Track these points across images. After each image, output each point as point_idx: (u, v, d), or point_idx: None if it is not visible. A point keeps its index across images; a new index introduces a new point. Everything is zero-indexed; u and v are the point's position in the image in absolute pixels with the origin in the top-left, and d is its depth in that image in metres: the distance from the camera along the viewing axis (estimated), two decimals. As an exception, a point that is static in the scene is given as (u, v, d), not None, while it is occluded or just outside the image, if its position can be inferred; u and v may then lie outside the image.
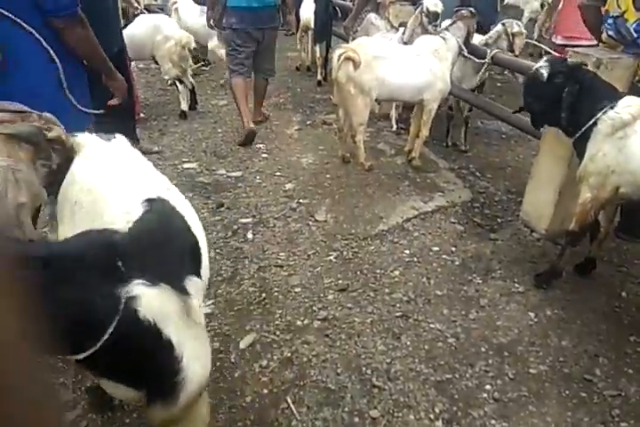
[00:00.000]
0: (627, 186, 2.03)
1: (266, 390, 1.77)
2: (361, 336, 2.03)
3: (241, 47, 3.81)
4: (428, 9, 3.43)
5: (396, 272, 2.42)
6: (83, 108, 1.84)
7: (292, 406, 1.71)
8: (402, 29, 3.71)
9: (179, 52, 3.97)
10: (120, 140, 1.47)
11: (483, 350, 1.96)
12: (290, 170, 3.42)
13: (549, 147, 2.61)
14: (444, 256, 2.54)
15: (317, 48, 5.35)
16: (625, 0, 2.34)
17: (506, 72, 4.94)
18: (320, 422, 1.66)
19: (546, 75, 2.09)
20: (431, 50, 3.25)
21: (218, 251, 2.55)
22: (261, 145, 3.81)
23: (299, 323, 2.09)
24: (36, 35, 1.64)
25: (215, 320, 2.08)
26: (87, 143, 1.42)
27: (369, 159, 3.45)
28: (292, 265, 2.47)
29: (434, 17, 3.45)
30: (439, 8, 3.43)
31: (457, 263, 2.49)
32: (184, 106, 4.23)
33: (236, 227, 2.77)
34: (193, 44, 4.12)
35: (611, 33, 2.47)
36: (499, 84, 5.15)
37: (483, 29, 3.57)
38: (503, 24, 3.33)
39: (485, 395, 1.76)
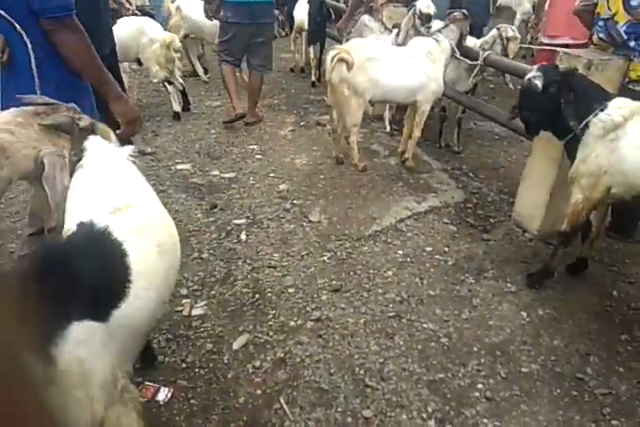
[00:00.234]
0: (618, 186, 2.05)
1: (259, 391, 1.77)
2: (354, 336, 2.03)
3: (233, 39, 3.95)
4: (420, 11, 3.45)
5: (390, 272, 2.43)
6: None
7: (285, 406, 1.71)
8: (395, 31, 3.73)
9: (164, 53, 3.96)
10: (125, 150, 1.44)
11: (475, 349, 1.97)
12: (284, 171, 3.42)
13: (541, 148, 2.62)
14: (437, 256, 2.55)
15: (311, 49, 5.36)
16: (615, 2, 2.37)
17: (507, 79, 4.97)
18: (313, 423, 1.66)
19: (540, 85, 2.10)
20: (424, 52, 3.26)
21: (211, 252, 2.54)
22: (255, 146, 3.81)
23: (292, 323, 2.09)
24: (24, 37, 1.60)
25: (208, 322, 2.08)
26: (91, 149, 1.40)
27: (362, 160, 3.46)
28: (285, 266, 2.47)
29: (426, 19, 3.47)
30: (432, 10, 3.45)
31: (450, 263, 2.50)
32: (176, 107, 4.23)
33: (229, 228, 2.76)
34: (178, 44, 4.10)
35: (601, 35, 2.50)
36: (491, 86, 5.18)
37: (475, 32, 3.59)
38: (498, 29, 3.36)
39: (478, 394, 1.77)
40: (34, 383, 0.44)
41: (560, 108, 2.10)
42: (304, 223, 2.83)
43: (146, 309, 1.14)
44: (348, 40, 3.85)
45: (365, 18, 4.17)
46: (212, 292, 2.26)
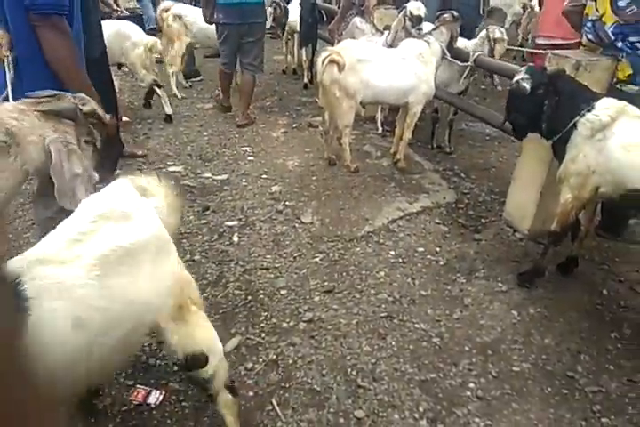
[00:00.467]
0: (607, 185, 2.07)
1: (251, 393, 1.77)
2: (346, 337, 2.04)
3: (226, 41, 4.08)
4: (411, 13, 3.47)
5: (382, 273, 2.44)
6: None
7: (277, 408, 1.71)
8: (386, 33, 3.75)
9: (149, 56, 3.94)
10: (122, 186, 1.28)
11: (466, 349, 1.98)
12: (276, 172, 3.42)
13: (531, 149, 2.64)
14: (428, 257, 2.56)
15: (303, 51, 5.38)
16: (603, 4, 2.40)
17: (496, 81, 5.00)
18: (305, 424, 1.66)
19: (528, 88, 2.12)
20: (416, 54, 3.28)
21: (203, 254, 2.54)
22: (247, 148, 3.81)
23: (284, 325, 2.09)
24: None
25: (200, 323, 2.07)
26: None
27: (355, 161, 3.46)
28: (277, 267, 2.47)
29: (417, 21, 3.48)
30: (422, 12, 3.47)
31: (441, 263, 2.51)
32: (168, 110, 4.22)
33: (221, 230, 2.76)
34: (159, 47, 4.08)
35: (590, 36, 2.52)
36: (482, 87, 5.21)
37: (466, 33, 3.61)
38: (487, 30, 3.39)
39: (469, 393, 1.78)
40: (34, 383, 0.45)
41: (546, 110, 2.11)
42: (296, 225, 2.83)
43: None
44: (339, 42, 3.87)
45: (357, 20, 4.19)
46: (204, 294, 2.25)
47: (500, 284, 2.35)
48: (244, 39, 4.05)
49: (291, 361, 1.91)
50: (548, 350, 1.98)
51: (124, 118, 4.00)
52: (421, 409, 1.72)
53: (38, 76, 1.70)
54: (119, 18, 4.65)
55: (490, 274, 2.42)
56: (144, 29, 4.38)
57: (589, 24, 2.50)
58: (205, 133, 4.07)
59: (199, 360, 1.30)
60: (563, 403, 1.77)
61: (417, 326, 2.10)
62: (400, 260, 2.54)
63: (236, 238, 2.69)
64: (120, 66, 4.13)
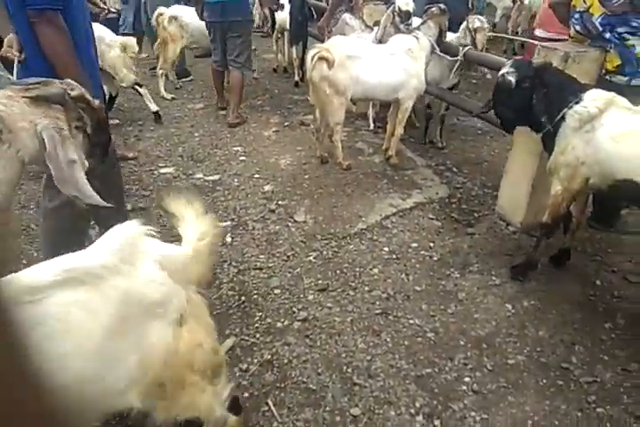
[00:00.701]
0: (596, 177, 2.07)
1: (247, 394, 1.77)
2: (341, 335, 2.03)
3: (214, 39, 4.20)
4: (399, 8, 3.46)
5: (376, 270, 2.44)
6: None
7: (272, 408, 1.71)
8: (376, 28, 3.73)
9: (126, 56, 3.90)
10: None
11: (461, 343, 1.98)
12: (268, 172, 3.41)
13: (522, 142, 2.65)
14: (422, 252, 2.56)
15: (294, 49, 5.36)
16: (590, -5, 2.39)
17: (485, 70, 5.00)
18: (301, 424, 1.66)
19: (514, 81, 2.11)
20: (405, 49, 3.27)
21: (196, 255, 2.53)
22: (239, 148, 3.80)
23: (279, 325, 2.09)
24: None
25: (194, 325, 2.06)
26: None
27: (347, 158, 3.46)
28: (271, 267, 2.46)
29: (406, 16, 3.47)
30: (411, 7, 3.46)
31: (435, 259, 2.51)
32: (153, 107, 4.16)
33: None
34: (136, 48, 4.05)
35: (578, 28, 2.52)
36: (474, 81, 5.21)
37: (454, 27, 3.59)
38: (467, 21, 3.37)
39: (465, 387, 1.78)
40: (34, 383, 0.44)
41: (533, 104, 2.11)
42: (289, 224, 2.83)
43: None
44: (329, 39, 3.85)
45: (346, 16, 4.17)
46: (198, 295, 2.25)
47: (493, 277, 2.35)
48: (227, 35, 4.13)
49: (286, 361, 1.91)
50: (542, 343, 1.99)
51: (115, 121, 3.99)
52: (417, 405, 1.72)
53: (46, 75, 1.73)
54: (107, 17, 4.62)
55: (483, 268, 2.42)
56: (116, 32, 4.35)
57: (577, 15, 2.50)
58: (197, 134, 4.05)
59: (194, 424, 1.20)
60: (558, 394, 1.77)
61: (411, 321, 2.10)
62: (394, 256, 2.54)
63: (228, 239, 2.68)
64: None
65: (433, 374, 1.84)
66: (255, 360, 1.91)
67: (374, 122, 4.14)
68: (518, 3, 6.20)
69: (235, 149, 3.78)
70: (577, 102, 2.07)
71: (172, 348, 1.11)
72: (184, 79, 5.30)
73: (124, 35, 4.61)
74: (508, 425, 1.66)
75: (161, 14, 4.65)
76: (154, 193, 3.13)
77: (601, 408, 1.72)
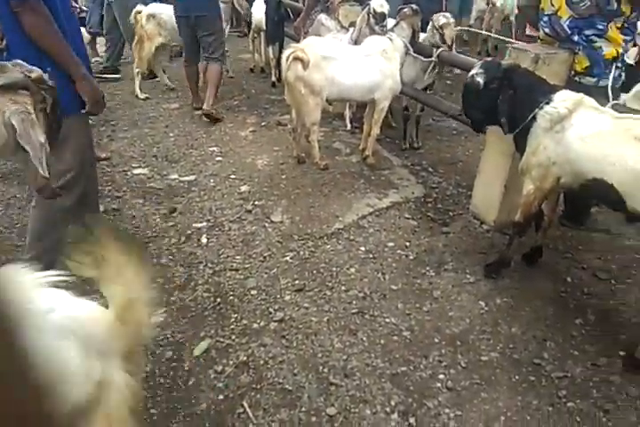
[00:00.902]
0: (567, 176, 2.12)
1: (221, 396, 1.74)
2: (318, 335, 2.03)
3: (181, 35, 4.30)
4: (374, 10, 3.47)
5: (352, 269, 2.44)
6: None
7: (248, 410, 1.69)
8: (352, 29, 3.75)
9: (91, 53, 3.84)
10: None
11: (436, 340, 2.00)
12: (245, 172, 3.39)
13: (494, 142, 2.69)
14: (398, 251, 2.58)
15: (270, 49, 5.33)
16: (558, -2, 2.45)
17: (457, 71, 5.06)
18: (277, 424, 1.65)
19: (482, 82, 2.15)
20: (379, 50, 3.29)
21: (170, 257, 2.49)
22: (215, 148, 3.76)
23: (255, 326, 2.07)
24: None
25: (168, 329, 2.03)
26: None
27: (324, 159, 3.46)
28: (247, 268, 2.44)
29: (381, 17, 3.49)
30: (385, 9, 3.48)
31: (411, 258, 2.53)
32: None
33: (189, 232, 2.71)
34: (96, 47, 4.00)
35: (547, 30, 2.58)
36: (448, 82, 5.27)
37: (426, 28, 3.62)
38: (431, 19, 3.40)
39: (439, 385, 1.80)
40: (34, 383, 0.43)
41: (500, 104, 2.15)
42: (266, 224, 2.81)
43: None
44: (305, 39, 3.85)
45: (322, 17, 4.17)
46: (172, 298, 2.21)
47: (467, 275, 2.38)
48: (198, 33, 4.18)
49: (262, 362, 1.89)
50: (514, 339, 2.02)
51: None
52: (393, 403, 1.73)
53: (31, 62, 1.77)
54: (79, 17, 4.53)
55: (458, 266, 2.45)
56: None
57: (545, 18, 2.55)
58: (171, 134, 3.99)
59: None
60: (530, 390, 1.80)
61: (387, 320, 2.11)
62: (370, 255, 2.55)
63: (204, 240, 2.65)
64: None
65: (408, 372, 1.85)
66: (230, 362, 1.89)
67: (351, 122, 4.15)
68: (491, 5, 6.31)
69: (211, 149, 3.74)
70: (547, 103, 2.11)
71: None
72: (156, 79, 5.24)
73: (89, 33, 4.53)
74: (481, 421, 1.68)
75: (139, 12, 4.60)
76: (127, 194, 3.07)
77: (571, 403, 1.76)
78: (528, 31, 4.15)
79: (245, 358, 1.90)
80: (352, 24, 3.85)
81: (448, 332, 2.04)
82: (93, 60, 5.11)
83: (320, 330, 2.05)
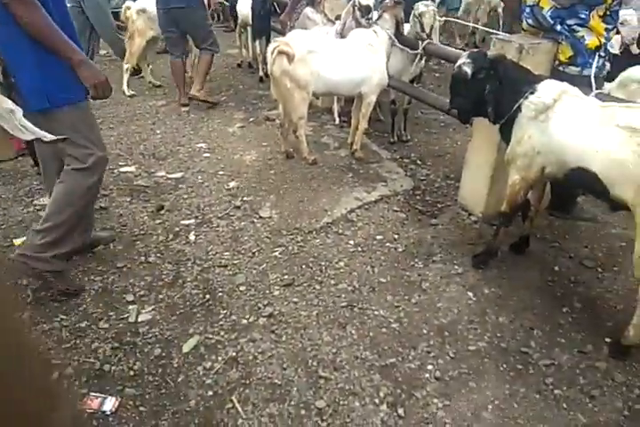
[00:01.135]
0: (551, 165, 2.12)
1: (210, 392, 1.74)
2: (307, 329, 2.03)
3: (165, 29, 4.30)
4: (359, 3, 3.45)
5: (341, 263, 2.44)
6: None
7: (237, 405, 1.69)
8: (338, 23, 3.73)
9: None
10: None
11: (424, 332, 2.01)
12: (233, 168, 3.37)
13: (480, 133, 2.69)
14: (387, 244, 2.58)
15: (257, 44, 5.30)
16: (539, -12, 2.44)
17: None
18: (266, 419, 1.65)
19: (470, 72, 2.14)
20: (365, 43, 3.27)
21: (158, 255, 2.48)
22: (203, 144, 3.73)
23: (244, 321, 2.07)
24: None
25: (156, 327, 2.02)
26: None
27: (312, 153, 3.45)
28: (236, 264, 2.43)
29: (366, 10, 3.47)
30: (371, 1, 3.46)
31: (400, 250, 2.53)
32: None
33: (177, 229, 2.70)
34: None
35: (530, 21, 2.57)
36: (436, 75, 5.27)
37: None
38: (412, 8, 3.38)
39: (427, 375, 1.81)
40: (34, 383, 0.43)
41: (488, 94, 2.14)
42: (255, 220, 2.80)
43: None
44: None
45: (308, 10, 4.15)
46: (160, 296, 2.20)
47: (456, 266, 2.39)
48: (180, 26, 4.23)
49: (251, 357, 1.89)
50: (502, 328, 2.03)
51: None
52: (382, 394, 1.73)
53: (20, 54, 1.85)
54: None
55: (446, 258, 2.46)
56: None
57: (528, 9, 2.55)
58: (158, 131, 3.96)
59: None
60: (517, 378, 1.82)
61: (376, 312, 2.11)
62: (359, 249, 2.55)
63: (192, 237, 2.64)
64: None
65: (397, 364, 1.86)
66: (219, 358, 1.88)
67: (339, 116, 4.14)
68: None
69: (198, 145, 3.72)
70: (532, 93, 2.11)
71: None
72: (137, 75, 5.21)
73: None
74: (469, 410, 1.69)
75: (128, 8, 4.60)
76: (114, 192, 3.04)
77: (558, 390, 1.78)
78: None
79: (234, 354, 1.90)
80: (338, 17, 3.83)
81: (436, 323, 2.06)
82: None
83: (309, 324, 2.06)
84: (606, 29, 2.37)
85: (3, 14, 1.73)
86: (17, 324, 0.44)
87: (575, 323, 2.08)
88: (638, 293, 1.81)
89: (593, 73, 2.39)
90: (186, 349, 1.92)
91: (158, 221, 2.76)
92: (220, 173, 3.31)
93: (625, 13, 3.31)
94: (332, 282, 2.31)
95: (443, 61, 4.86)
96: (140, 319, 2.05)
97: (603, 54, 2.44)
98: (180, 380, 1.79)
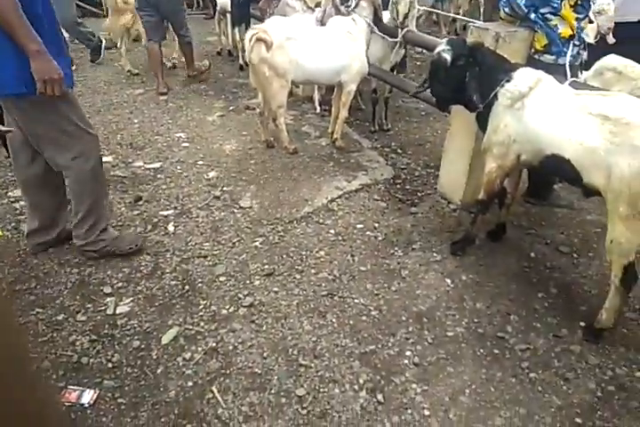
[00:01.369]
0: (527, 153, 2.14)
1: (190, 383, 1.74)
2: (287, 318, 2.04)
3: (144, 13, 4.26)
4: (339, -11, 3.41)
5: (322, 252, 2.44)
6: None
7: (217, 395, 1.69)
8: (317, 10, 3.68)
9: None
10: None
11: (403, 318, 2.03)
12: (212, 158, 3.33)
13: (458, 122, 2.70)
14: (367, 233, 2.59)
15: (237, 31, 5.20)
16: (513, -23, 2.44)
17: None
18: (246, 408, 1.66)
19: (449, 59, 2.14)
20: (344, 31, 3.24)
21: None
22: (182, 134, 3.67)
23: (224, 312, 2.07)
24: None
25: (135, 318, 2.00)
26: None
27: (293, 142, 3.43)
28: (216, 254, 2.42)
29: (345, -3, 3.43)
30: (350, -12, 3.42)
31: (380, 238, 2.55)
32: None
33: (156, 220, 2.67)
34: None
35: (507, 10, 2.57)
36: (418, 64, 5.26)
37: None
38: None
39: (406, 361, 1.83)
40: (34, 383, 0.42)
41: (467, 82, 2.15)
42: (235, 210, 2.78)
43: None
44: (269, 20, 3.75)
45: (287, -3, 4.07)
46: (139, 288, 2.18)
47: (434, 254, 2.41)
48: (161, 11, 4.23)
49: (231, 347, 1.89)
50: (479, 314, 2.07)
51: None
52: (361, 381, 1.76)
53: None
54: None
55: (425, 245, 2.48)
56: None
57: None
58: (136, 120, 3.88)
59: None
60: (494, 363, 1.86)
61: (356, 301, 2.13)
62: (340, 238, 2.56)
63: (171, 228, 2.61)
64: None
65: (376, 351, 1.88)
66: (199, 349, 1.88)
67: (320, 105, 4.11)
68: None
69: (177, 135, 3.66)
70: (508, 81, 2.12)
71: None
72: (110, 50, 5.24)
73: None
74: (447, 395, 1.72)
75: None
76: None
77: (534, 373, 1.82)
78: None
79: (214, 345, 1.90)
80: (318, 4, 3.78)
81: (415, 309, 2.08)
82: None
83: (290, 313, 2.06)
84: (577, 19, 2.38)
85: None
86: (17, 325, 0.43)
87: (551, 308, 2.13)
88: (611, 277, 1.85)
89: (567, 61, 2.41)
90: (165, 340, 1.91)
91: (136, 212, 2.72)
92: (200, 162, 3.27)
93: (601, 2, 3.33)
94: (313, 271, 2.32)
95: (423, 50, 4.84)
96: (118, 311, 2.03)
97: (577, 43, 2.46)
98: (159, 371, 1.78)
